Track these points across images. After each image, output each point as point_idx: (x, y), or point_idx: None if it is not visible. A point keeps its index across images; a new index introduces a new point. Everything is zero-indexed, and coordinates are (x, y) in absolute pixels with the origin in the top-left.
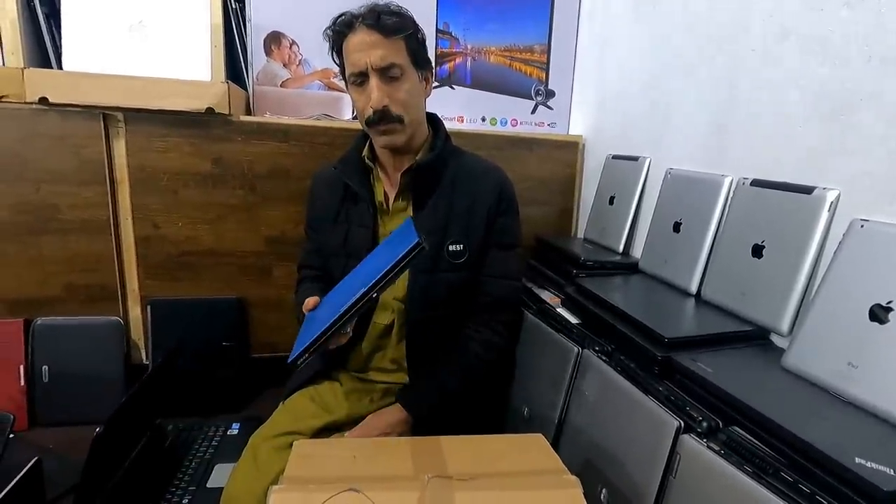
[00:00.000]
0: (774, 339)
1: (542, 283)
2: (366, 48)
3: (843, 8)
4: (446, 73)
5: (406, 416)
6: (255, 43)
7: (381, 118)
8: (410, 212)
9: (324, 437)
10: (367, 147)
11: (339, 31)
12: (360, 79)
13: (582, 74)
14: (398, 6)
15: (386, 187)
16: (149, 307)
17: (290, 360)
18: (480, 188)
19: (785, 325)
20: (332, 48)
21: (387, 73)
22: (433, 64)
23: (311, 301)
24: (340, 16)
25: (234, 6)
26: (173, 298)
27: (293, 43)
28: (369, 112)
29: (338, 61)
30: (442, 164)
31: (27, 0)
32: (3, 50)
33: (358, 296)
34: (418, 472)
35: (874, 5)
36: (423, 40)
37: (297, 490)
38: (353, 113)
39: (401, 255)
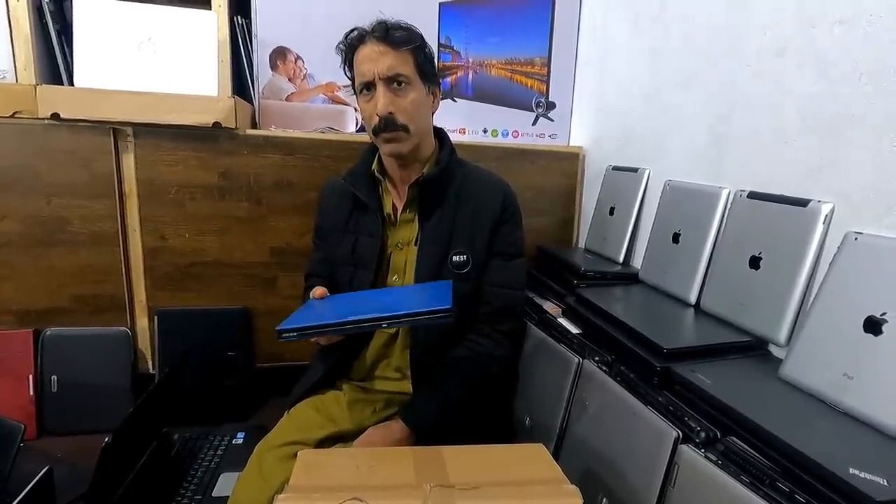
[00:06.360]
0: (772, 349)
1: (543, 293)
2: (374, 58)
3: (835, 26)
4: (448, 86)
5: (409, 432)
6: (260, 58)
7: (387, 125)
8: (417, 223)
9: (327, 447)
10: (376, 160)
11: (351, 45)
12: (368, 88)
13: (582, 87)
14: (407, 22)
15: (394, 199)
16: (156, 317)
17: (277, 329)
18: (485, 199)
19: (782, 336)
20: (344, 62)
21: (393, 83)
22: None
23: (319, 290)
24: (352, 31)
25: (240, 22)
26: (180, 309)
27: (298, 58)
28: (375, 120)
29: (349, 75)
30: (448, 176)
31: (40, 18)
32: (17, 67)
33: (371, 316)
34: (420, 481)
35: (864, 24)
36: (432, 56)
37: (302, 499)
38: (356, 126)
39: (428, 309)
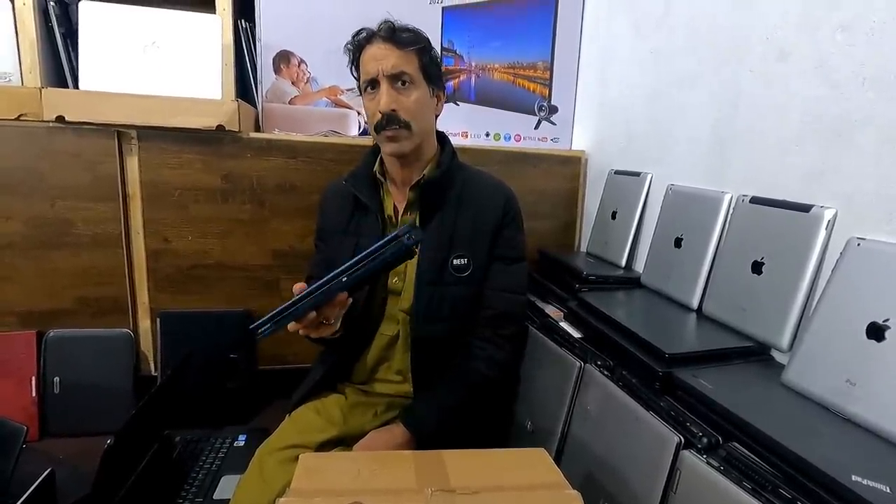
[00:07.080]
0: (775, 354)
1: (545, 296)
2: (379, 57)
3: (837, 31)
4: (451, 89)
5: (410, 436)
6: (264, 61)
7: (389, 121)
8: (418, 224)
9: (328, 450)
10: (377, 162)
11: (358, 44)
12: (373, 86)
13: (584, 90)
14: (413, 25)
15: (395, 201)
16: (158, 320)
17: (250, 328)
18: (486, 203)
19: (785, 342)
20: (351, 62)
21: (397, 81)
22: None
23: (298, 286)
24: (360, 31)
25: (244, 26)
26: (182, 311)
27: (301, 61)
28: (378, 116)
29: (355, 74)
30: (448, 179)
31: (45, 21)
32: (22, 69)
33: (329, 276)
34: (421, 485)
35: (867, 29)
36: (437, 59)
37: (303, 503)
38: (359, 129)
39: (383, 241)
